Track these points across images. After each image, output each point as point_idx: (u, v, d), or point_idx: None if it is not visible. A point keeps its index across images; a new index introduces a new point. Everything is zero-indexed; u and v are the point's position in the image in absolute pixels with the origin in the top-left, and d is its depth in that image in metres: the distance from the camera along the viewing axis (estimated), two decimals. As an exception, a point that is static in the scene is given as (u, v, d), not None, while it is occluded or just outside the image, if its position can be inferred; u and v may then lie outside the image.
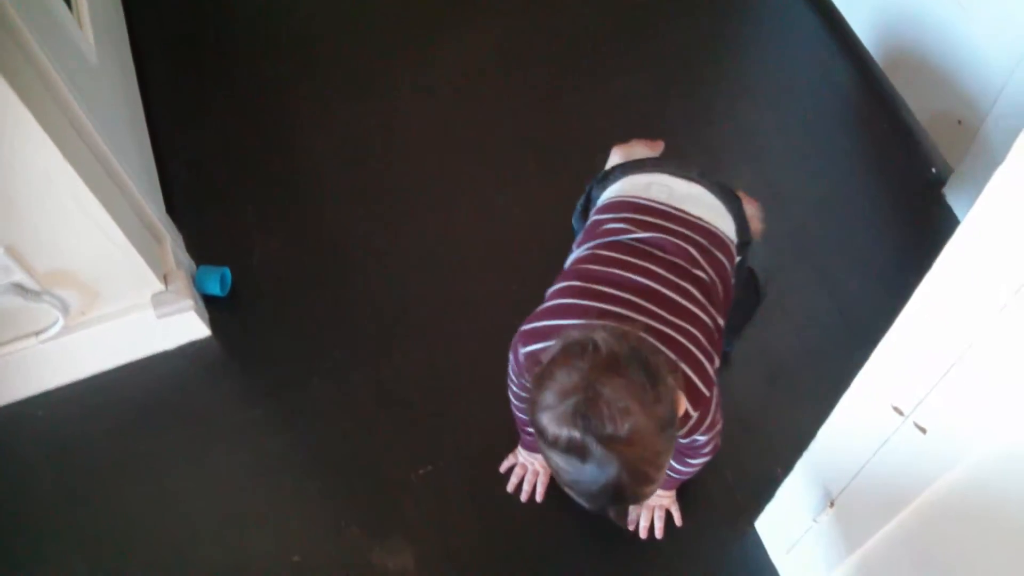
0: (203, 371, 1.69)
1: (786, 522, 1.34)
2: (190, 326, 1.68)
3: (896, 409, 0.85)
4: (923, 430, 0.82)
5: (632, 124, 1.84)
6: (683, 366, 1.15)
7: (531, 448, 1.48)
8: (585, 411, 1.00)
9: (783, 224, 1.68)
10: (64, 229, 1.40)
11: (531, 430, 1.36)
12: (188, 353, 1.70)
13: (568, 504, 1.45)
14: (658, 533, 1.46)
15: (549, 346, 1.11)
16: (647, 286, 1.22)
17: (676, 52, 2.01)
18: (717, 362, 1.22)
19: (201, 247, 1.76)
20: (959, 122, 1.64)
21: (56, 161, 1.28)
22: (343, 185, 1.88)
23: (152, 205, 1.63)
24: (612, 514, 1.12)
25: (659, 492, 1.45)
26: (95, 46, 1.64)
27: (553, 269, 1.34)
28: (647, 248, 1.27)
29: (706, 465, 1.36)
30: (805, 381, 1.55)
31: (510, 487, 1.51)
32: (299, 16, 2.15)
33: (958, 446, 0.81)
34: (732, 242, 1.36)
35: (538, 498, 1.50)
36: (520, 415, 1.39)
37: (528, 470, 1.51)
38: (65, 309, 1.52)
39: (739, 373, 1.59)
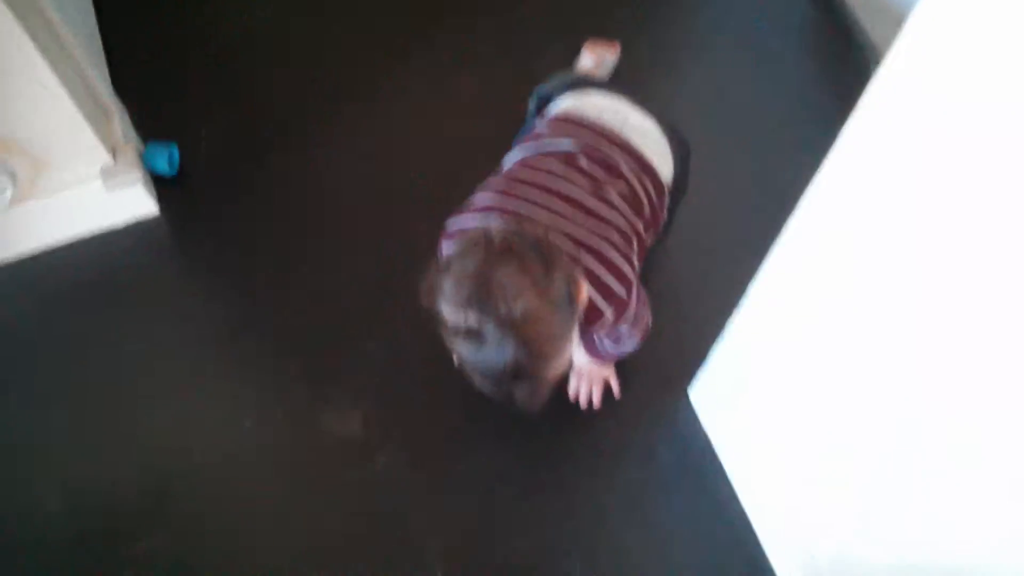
0: (152, 247, 1.71)
1: (717, 382, 1.42)
2: (138, 202, 1.69)
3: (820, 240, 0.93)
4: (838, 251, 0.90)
5: (588, 17, 1.87)
6: (594, 263, 1.22)
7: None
8: (479, 295, 1.06)
9: (724, 124, 1.75)
10: (15, 97, 1.40)
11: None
12: (136, 230, 1.72)
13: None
14: (596, 402, 1.53)
15: None
16: (568, 194, 1.27)
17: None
18: (637, 266, 1.29)
19: (148, 125, 1.77)
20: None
21: (8, 25, 1.28)
22: (291, 60, 1.88)
23: (99, 78, 1.62)
24: (520, 397, 1.16)
25: (597, 366, 1.52)
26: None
27: (500, 147, 1.38)
28: (576, 159, 1.31)
29: (640, 346, 1.44)
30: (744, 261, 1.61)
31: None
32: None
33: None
34: (666, 185, 1.40)
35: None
36: None
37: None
38: (13, 179, 1.52)
39: (676, 255, 1.65)
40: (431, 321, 1.14)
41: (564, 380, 1.54)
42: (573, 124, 1.37)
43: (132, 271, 1.69)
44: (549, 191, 1.26)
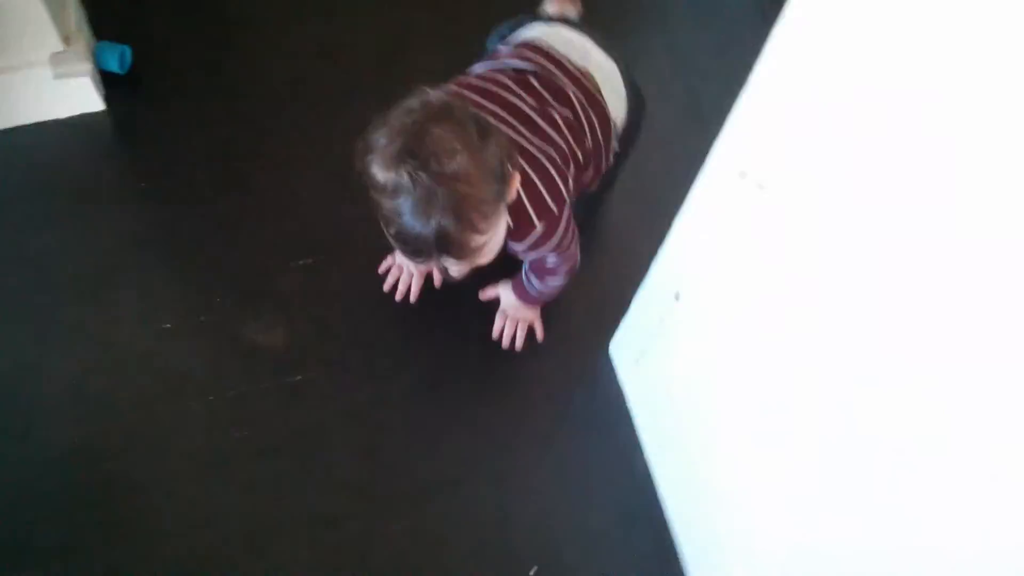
0: (94, 143, 1.70)
1: (635, 335, 1.45)
2: (85, 96, 1.68)
3: (741, 174, 0.96)
4: (762, 187, 0.93)
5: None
6: (530, 170, 1.24)
7: (534, 304, 1.55)
8: (412, 147, 1.07)
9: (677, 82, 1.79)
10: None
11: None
12: (80, 124, 1.70)
13: (437, 309, 1.55)
14: (518, 344, 1.56)
15: None
16: (515, 104, 1.30)
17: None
18: (572, 193, 1.32)
19: (103, 24, 1.75)
20: None
21: None
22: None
23: (61, -38, 1.61)
24: (439, 269, 1.16)
25: (523, 307, 1.55)
26: None
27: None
28: (527, 77, 1.35)
29: (566, 288, 1.47)
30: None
31: (386, 287, 1.58)
32: None
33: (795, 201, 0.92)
34: (614, 126, 1.44)
35: (412, 299, 1.58)
36: None
37: (404, 271, 1.58)
38: (-41, 50, 1.50)
39: (612, 206, 1.68)
40: (364, 192, 1.13)
41: (491, 308, 1.57)
42: (532, 49, 1.39)
43: (69, 163, 1.67)
44: (495, 99, 1.29)
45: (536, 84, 1.34)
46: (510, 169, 1.16)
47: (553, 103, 1.33)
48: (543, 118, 1.30)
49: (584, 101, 1.36)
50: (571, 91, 1.35)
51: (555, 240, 1.30)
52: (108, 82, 1.72)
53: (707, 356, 1.23)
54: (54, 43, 1.58)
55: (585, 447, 1.51)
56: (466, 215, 1.09)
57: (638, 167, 1.60)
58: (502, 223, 1.19)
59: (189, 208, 1.64)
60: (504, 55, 1.40)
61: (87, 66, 1.61)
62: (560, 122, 1.32)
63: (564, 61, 1.38)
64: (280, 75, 1.79)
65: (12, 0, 1.47)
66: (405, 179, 1.07)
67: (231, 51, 1.80)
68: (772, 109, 0.92)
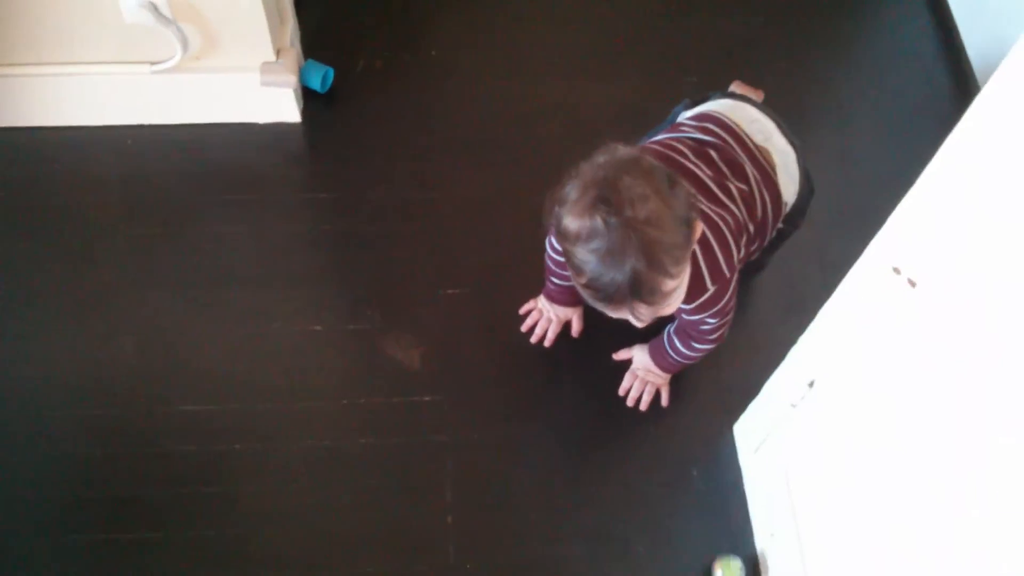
0: (284, 150, 1.82)
1: (761, 419, 1.44)
2: (284, 107, 1.80)
3: (894, 270, 0.96)
4: (913, 284, 0.92)
5: (731, 63, 1.94)
6: (708, 232, 1.26)
7: (552, 298, 1.60)
8: (605, 195, 1.09)
9: (843, 187, 1.78)
10: (211, -34, 1.52)
11: (557, 280, 1.49)
12: (275, 131, 1.82)
13: (569, 360, 1.57)
14: (643, 406, 1.57)
15: None
16: (693, 172, 1.32)
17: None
18: (740, 262, 1.34)
19: (313, 44, 1.88)
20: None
21: None
22: (461, 18, 2.00)
23: (287, -18, 1.75)
24: (631, 314, 1.18)
25: (655, 371, 1.56)
26: None
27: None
28: (707, 149, 1.37)
29: (705, 358, 1.48)
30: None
31: (524, 327, 1.63)
32: None
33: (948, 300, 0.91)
34: (785, 206, 1.46)
35: (547, 343, 1.61)
36: (553, 259, 1.48)
37: (543, 316, 1.62)
38: (185, 46, 1.64)
39: (759, 297, 1.68)
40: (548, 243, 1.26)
41: (620, 368, 1.60)
42: (714, 123, 1.42)
43: (258, 164, 1.79)
44: (673, 164, 1.31)
45: (715, 156, 1.36)
46: (695, 216, 1.17)
47: (730, 176, 1.35)
48: (719, 188, 1.32)
49: (760, 179, 1.38)
50: (748, 168, 1.37)
51: (720, 305, 1.32)
52: (307, 98, 1.85)
53: (835, 448, 1.21)
54: (267, 53, 1.71)
55: (695, 523, 1.50)
56: (658, 259, 1.10)
57: (786, 256, 1.60)
58: (687, 270, 1.20)
59: (358, 223, 1.73)
60: (686, 126, 1.43)
61: (292, 79, 1.74)
62: (735, 193, 1.33)
63: (745, 138, 1.41)
64: (471, 120, 1.87)
65: (239, 7, 1.60)
66: (600, 225, 1.09)
67: (428, 90, 1.89)
68: (935, 210, 0.92)
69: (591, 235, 1.10)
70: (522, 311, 1.64)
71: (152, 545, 1.44)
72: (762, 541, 1.45)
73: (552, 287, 1.56)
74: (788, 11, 2.07)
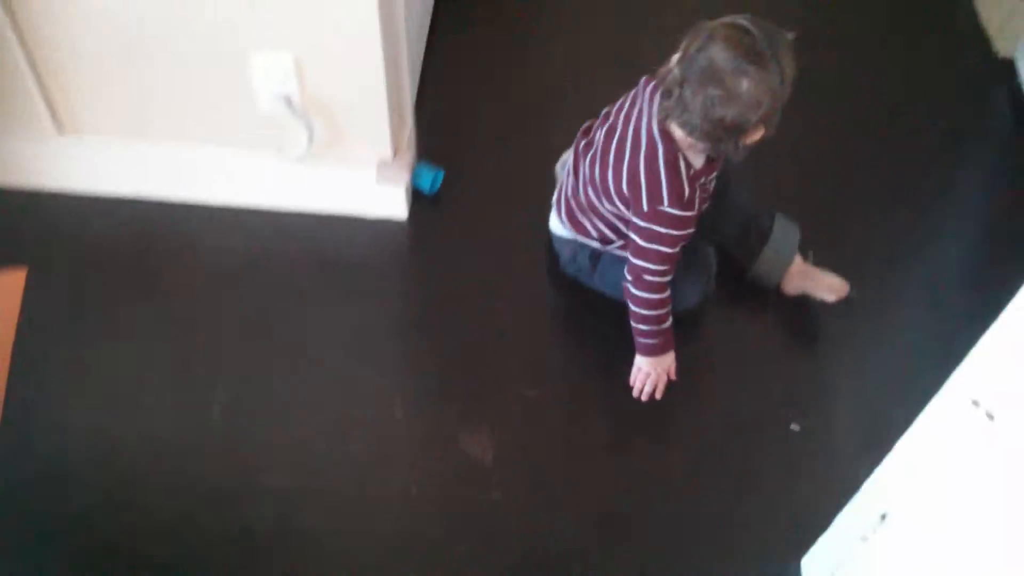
0: (387, 247, 1.91)
1: (830, 552, 1.41)
2: (394, 204, 1.90)
3: (974, 403, 0.96)
4: (991, 417, 0.92)
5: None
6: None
7: (650, 351, 1.68)
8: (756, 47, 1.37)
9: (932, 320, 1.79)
10: (345, 65, 1.64)
11: (647, 327, 1.65)
12: (381, 227, 1.92)
13: (644, 465, 1.59)
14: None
15: None
16: None
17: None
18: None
19: (427, 146, 1.99)
20: None
21: (370, 11, 1.52)
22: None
23: (411, 90, 1.87)
24: (731, 148, 1.46)
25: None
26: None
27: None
28: None
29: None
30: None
31: (635, 392, 1.71)
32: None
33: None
34: None
35: (658, 396, 1.70)
36: (654, 312, 1.63)
37: (647, 374, 1.69)
38: (311, 137, 1.75)
39: (837, 433, 1.67)
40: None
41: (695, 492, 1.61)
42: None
43: (364, 257, 1.88)
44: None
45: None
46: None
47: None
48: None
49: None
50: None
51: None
52: (416, 196, 1.94)
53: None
54: (385, 152, 1.82)
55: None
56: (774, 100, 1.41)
57: (868, 392, 1.60)
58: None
59: (450, 319, 1.80)
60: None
61: (404, 178, 1.84)
62: None
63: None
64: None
65: (364, 105, 1.72)
66: (761, 50, 1.38)
67: (529, 203, 1.95)
68: (1015, 344, 0.93)
69: (749, 54, 1.37)
70: (632, 380, 1.71)
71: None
72: None
73: (649, 341, 1.66)
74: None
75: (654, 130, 1.53)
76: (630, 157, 1.57)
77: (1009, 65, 2.35)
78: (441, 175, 1.96)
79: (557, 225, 1.80)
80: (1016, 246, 1.96)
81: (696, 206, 1.56)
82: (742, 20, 1.40)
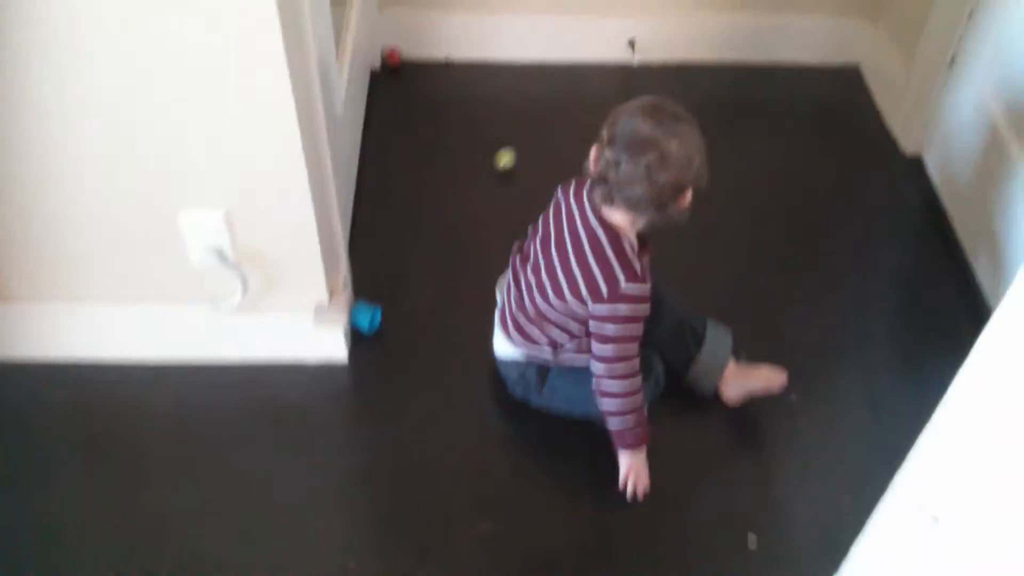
0: (331, 387, 1.89)
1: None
2: (333, 347, 1.90)
3: (918, 506, 0.98)
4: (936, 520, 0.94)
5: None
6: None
7: (639, 442, 1.69)
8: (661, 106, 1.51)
9: (872, 426, 1.82)
10: (275, 216, 1.66)
11: (636, 427, 1.66)
12: (323, 371, 1.91)
13: None
14: (628, 493, 1.71)
15: None
16: None
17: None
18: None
19: (361, 284, 2.01)
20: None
21: (295, 151, 1.55)
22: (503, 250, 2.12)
23: (343, 230, 1.89)
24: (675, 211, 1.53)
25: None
26: (345, 97, 1.97)
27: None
28: None
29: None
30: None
31: (632, 492, 1.71)
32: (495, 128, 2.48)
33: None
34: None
35: (648, 490, 1.72)
36: (631, 398, 1.65)
37: (633, 470, 1.71)
38: (245, 288, 1.76)
39: (794, 538, 1.68)
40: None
41: None
42: None
43: (305, 402, 1.86)
44: None
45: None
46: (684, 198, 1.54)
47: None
48: None
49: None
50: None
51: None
52: (355, 336, 1.95)
53: None
54: (321, 295, 1.83)
55: None
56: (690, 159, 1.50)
57: (820, 496, 1.62)
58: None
59: (398, 458, 1.78)
60: None
61: (342, 320, 1.85)
62: None
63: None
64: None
65: (297, 252, 1.73)
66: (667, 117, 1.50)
67: (471, 330, 1.97)
68: (950, 446, 0.96)
69: (660, 119, 1.49)
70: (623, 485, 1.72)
71: None
72: None
73: (635, 431, 1.68)
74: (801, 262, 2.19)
75: (591, 222, 1.60)
76: (575, 255, 1.62)
77: (917, 162, 2.45)
78: (379, 312, 1.97)
79: (502, 345, 1.82)
80: (942, 338, 2.01)
81: (649, 279, 1.62)
82: (649, 97, 1.53)
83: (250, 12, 1.37)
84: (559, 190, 1.71)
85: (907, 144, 2.49)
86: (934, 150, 2.41)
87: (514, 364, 1.81)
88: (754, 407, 1.84)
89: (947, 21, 2.27)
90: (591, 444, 1.76)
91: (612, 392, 1.64)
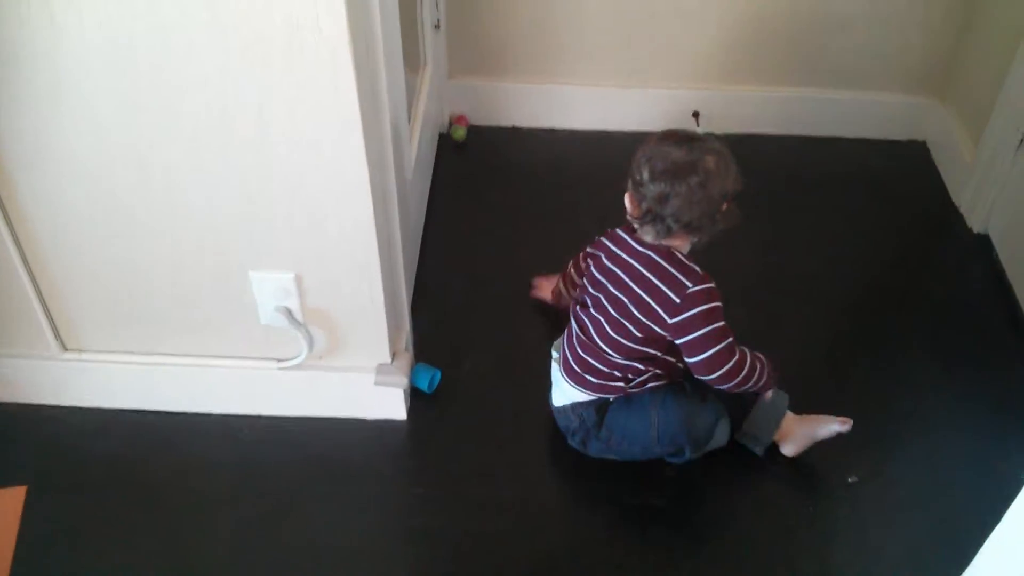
0: (388, 446, 1.91)
1: None
2: (393, 405, 1.92)
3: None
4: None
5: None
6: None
7: (770, 387, 1.78)
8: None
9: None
10: (344, 278, 1.70)
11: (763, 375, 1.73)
12: (382, 427, 1.93)
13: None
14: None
15: None
16: None
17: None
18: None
19: (423, 344, 2.04)
20: None
21: (366, 216, 1.59)
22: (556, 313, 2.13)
23: (406, 297, 1.92)
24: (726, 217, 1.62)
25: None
26: (415, 162, 2.02)
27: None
28: None
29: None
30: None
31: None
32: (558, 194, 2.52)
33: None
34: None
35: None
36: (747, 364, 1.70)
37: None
38: (311, 346, 1.79)
39: None
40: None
41: None
42: None
43: (363, 460, 1.88)
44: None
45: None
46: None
47: None
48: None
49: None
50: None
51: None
52: (415, 396, 1.97)
53: None
54: (384, 356, 1.86)
55: None
56: (712, 181, 1.59)
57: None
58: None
59: (456, 518, 1.79)
60: None
61: (403, 381, 1.87)
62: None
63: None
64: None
65: (363, 314, 1.76)
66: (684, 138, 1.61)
67: (525, 396, 1.99)
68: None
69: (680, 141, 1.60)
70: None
71: None
72: None
73: (764, 378, 1.74)
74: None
75: (638, 249, 1.68)
76: (635, 281, 1.67)
77: (984, 239, 2.43)
78: (439, 374, 1.99)
79: (566, 392, 1.83)
80: (1011, 423, 1.98)
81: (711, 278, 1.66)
82: (657, 132, 1.64)
83: (329, 81, 1.41)
84: (589, 248, 1.82)
85: (973, 221, 2.47)
86: (1001, 228, 2.39)
87: (572, 409, 1.82)
88: (804, 481, 1.84)
89: (1018, 100, 2.26)
90: (649, 509, 1.77)
91: (729, 385, 1.69)
